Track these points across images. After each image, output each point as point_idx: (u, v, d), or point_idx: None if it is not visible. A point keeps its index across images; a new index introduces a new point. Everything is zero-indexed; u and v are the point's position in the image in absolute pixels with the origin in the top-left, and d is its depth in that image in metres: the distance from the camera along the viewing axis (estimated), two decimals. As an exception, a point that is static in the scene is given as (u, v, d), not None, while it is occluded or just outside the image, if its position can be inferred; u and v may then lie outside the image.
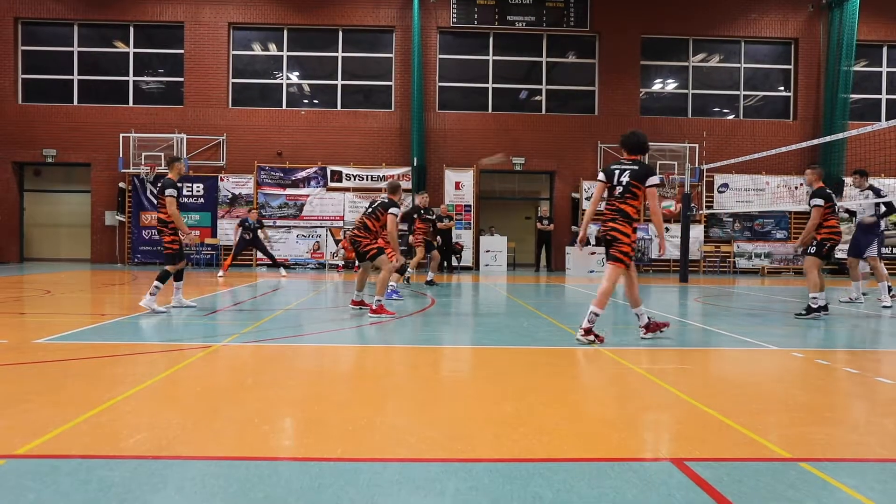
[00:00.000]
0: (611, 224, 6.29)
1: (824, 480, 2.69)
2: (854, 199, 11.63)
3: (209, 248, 20.28)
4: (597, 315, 6.08)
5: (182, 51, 20.67)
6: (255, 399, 3.94)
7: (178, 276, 8.60)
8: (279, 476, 2.66)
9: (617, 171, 6.27)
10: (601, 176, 6.41)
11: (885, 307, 10.04)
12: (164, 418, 3.46)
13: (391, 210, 8.34)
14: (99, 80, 20.90)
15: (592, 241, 18.45)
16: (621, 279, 6.30)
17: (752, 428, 3.42)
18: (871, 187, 10.78)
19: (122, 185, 20.28)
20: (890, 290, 10.47)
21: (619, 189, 6.26)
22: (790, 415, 3.79)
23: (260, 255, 17.56)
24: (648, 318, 6.53)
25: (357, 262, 8.81)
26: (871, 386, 4.61)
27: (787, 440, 3.25)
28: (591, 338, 6.09)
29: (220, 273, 15.49)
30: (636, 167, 6.25)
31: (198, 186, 20.45)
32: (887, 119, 19.00)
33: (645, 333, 6.39)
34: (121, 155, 19.89)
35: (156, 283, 8.05)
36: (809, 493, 2.55)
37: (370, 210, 8.53)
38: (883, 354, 6.18)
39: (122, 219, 20.38)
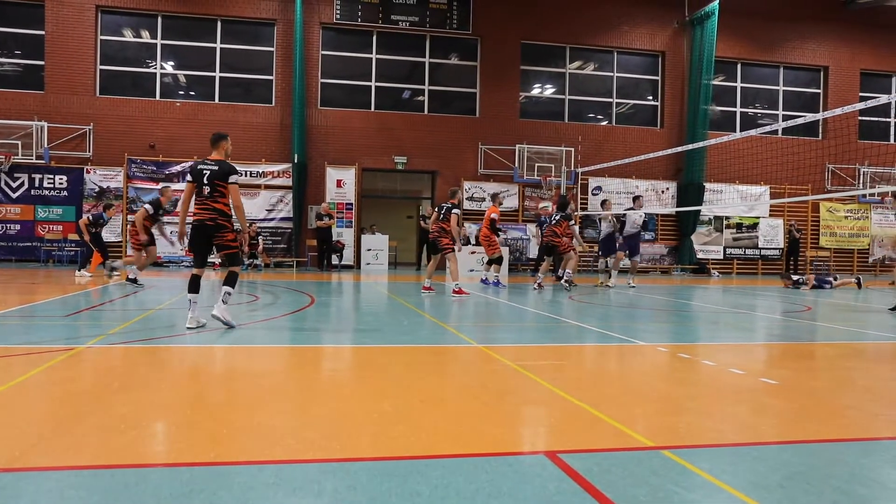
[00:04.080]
0: (436, 235, 11.36)
1: (683, 466, 2.90)
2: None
3: (73, 245, 18.99)
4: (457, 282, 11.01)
5: (43, 32, 19.21)
6: (122, 403, 3.75)
7: None
8: (147, 483, 2.56)
9: (438, 208, 11.53)
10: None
11: (607, 286, 14.21)
12: (19, 427, 3.24)
13: (454, 211, 11.40)
14: (-56, 59, 19.08)
15: (473, 241, 18.85)
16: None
17: (620, 419, 3.62)
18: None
19: (-29, 175, 18.60)
20: (610, 276, 14.81)
21: (438, 214, 11.46)
22: (655, 406, 4.06)
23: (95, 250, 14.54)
24: (457, 284, 11.16)
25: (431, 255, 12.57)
26: (726, 376, 4.99)
27: (651, 430, 3.47)
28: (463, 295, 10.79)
29: (107, 272, 13.86)
30: (450, 206, 11.36)
31: (60, 178, 19.08)
32: (741, 130, 20.59)
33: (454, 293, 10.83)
34: (-30, 142, 18.23)
35: None
36: (669, 479, 2.73)
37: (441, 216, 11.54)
38: (737, 347, 6.71)
39: (-29, 212, 18.69)
